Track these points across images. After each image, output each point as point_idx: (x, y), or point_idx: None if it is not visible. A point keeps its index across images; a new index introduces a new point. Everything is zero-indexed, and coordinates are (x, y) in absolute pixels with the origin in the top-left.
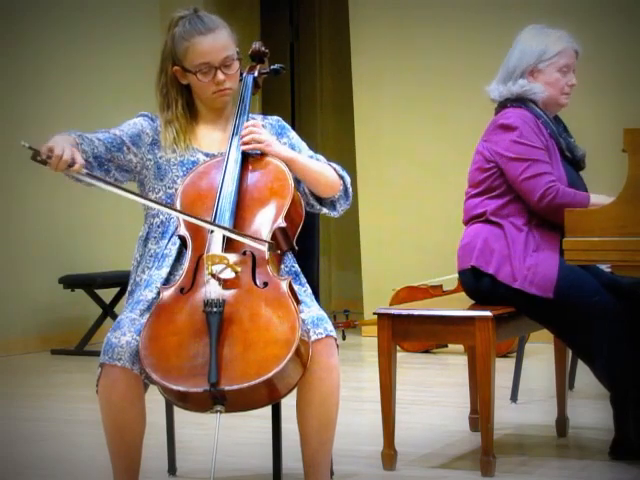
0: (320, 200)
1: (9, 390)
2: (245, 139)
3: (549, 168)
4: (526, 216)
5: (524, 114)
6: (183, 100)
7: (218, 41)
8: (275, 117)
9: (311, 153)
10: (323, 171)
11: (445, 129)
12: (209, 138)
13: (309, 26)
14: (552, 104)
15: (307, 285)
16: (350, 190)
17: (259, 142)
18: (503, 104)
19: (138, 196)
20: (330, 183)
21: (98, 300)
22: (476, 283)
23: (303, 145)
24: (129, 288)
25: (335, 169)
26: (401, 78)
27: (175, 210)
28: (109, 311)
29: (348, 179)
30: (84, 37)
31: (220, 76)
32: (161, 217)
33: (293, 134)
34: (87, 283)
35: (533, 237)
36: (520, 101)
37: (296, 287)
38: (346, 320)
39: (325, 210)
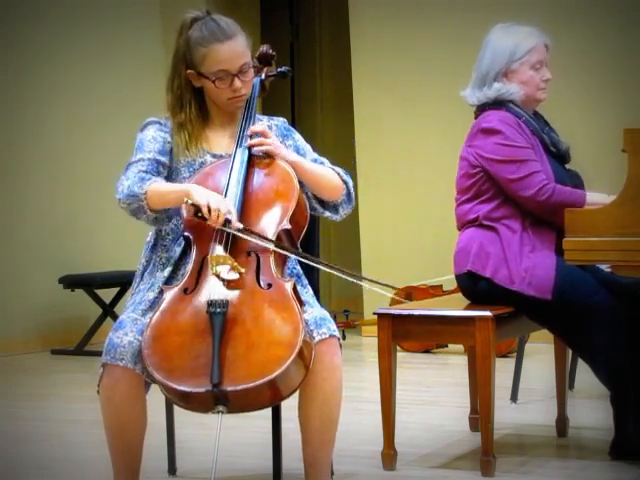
0: (323, 204)
1: (9, 390)
2: (252, 141)
3: (539, 166)
4: (519, 217)
5: (504, 115)
6: (197, 102)
7: (236, 49)
8: (281, 119)
9: (315, 156)
10: (327, 175)
11: (445, 129)
12: (218, 139)
13: (309, 26)
14: (530, 101)
15: (309, 287)
16: (353, 194)
17: (266, 144)
18: (482, 107)
19: (307, 259)
20: (333, 187)
21: (98, 300)
22: (473, 287)
23: (308, 148)
24: (132, 291)
25: (338, 173)
26: (401, 78)
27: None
28: (109, 311)
29: (351, 183)
30: (83, 37)
31: (237, 83)
32: (171, 225)
33: (298, 136)
34: (87, 283)
35: (528, 237)
36: (498, 103)
37: (298, 288)
38: (346, 320)
39: (328, 214)
